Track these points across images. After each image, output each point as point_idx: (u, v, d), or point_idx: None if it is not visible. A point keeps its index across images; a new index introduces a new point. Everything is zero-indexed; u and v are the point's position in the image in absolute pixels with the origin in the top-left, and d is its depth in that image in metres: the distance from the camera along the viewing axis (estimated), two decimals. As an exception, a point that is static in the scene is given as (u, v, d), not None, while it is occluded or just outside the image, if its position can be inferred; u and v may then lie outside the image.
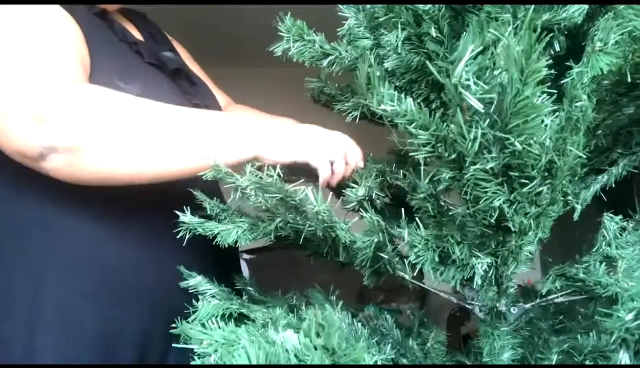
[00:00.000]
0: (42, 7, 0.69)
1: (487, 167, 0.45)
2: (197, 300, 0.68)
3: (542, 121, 0.44)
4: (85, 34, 0.72)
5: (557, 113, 0.48)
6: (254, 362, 0.39)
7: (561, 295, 0.68)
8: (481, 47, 0.43)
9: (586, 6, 0.59)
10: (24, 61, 0.63)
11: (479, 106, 0.40)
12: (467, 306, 0.70)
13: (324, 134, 0.74)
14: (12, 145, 0.62)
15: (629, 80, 0.54)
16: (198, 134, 0.67)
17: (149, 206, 0.75)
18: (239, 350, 0.39)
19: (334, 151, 0.72)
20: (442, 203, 0.55)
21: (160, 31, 0.98)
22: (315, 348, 0.41)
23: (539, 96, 0.43)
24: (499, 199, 0.47)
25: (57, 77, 0.63)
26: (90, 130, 0.62)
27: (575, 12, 0.58)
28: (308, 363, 0.41)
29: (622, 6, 0.50)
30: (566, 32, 0.63)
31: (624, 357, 0.44)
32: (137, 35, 0.89)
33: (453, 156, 0.46)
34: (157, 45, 0.92)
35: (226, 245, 0.66)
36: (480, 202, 0.47)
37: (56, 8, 0.71)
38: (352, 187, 0.68)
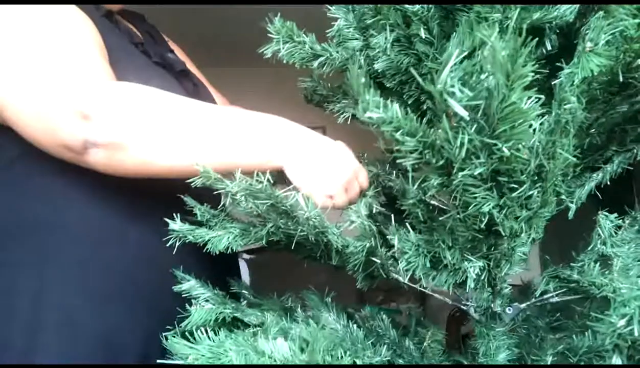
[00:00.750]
0: (63, 8, 0.70)
1: (476, 173, 0.44)
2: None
3: (531, 126, 0.43)
4: (101, 34, 0.73)
5: (546, 116, 0.47)
6: (240, 376, 0.39)
7: (556, 295, 0.68)
8: (467, 52, 0.42)
9: (577, 5, 0.58)
10: (64, 58, 0.65)
11: (464, 113, 0.39)
12: (462, 307, 0.70)
13: (336, 163, 0.70)
14: (57, 139, 0.63)
15: (621, 79, 0.53)
16: (234, 132, 0.68)
17: (150, 207, 0.75)
18: (225, 364, 0.39)
19: (337, 185, 0.69)
20: (432, 208, 0.54)
21: (158, 32, 0.98)
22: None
23: (528, 99, 0.42)
24: (489, 204, 0.46)
25: (96, 74, 0.65)
26: (130, 127, 0.63)
27: (567, 11, 0.57)
28: None
29: (613, 5, 0.49)
30: (558, 31, 0.62)
31: (616, 362, 0.44)
32: (138, 35, 0.89)
33: (441, 162, 0.45)
34: (158, 46, 0.92)
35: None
36: (470, 208, 0.47)
37: (75, 8, 0.72)
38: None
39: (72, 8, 0.72)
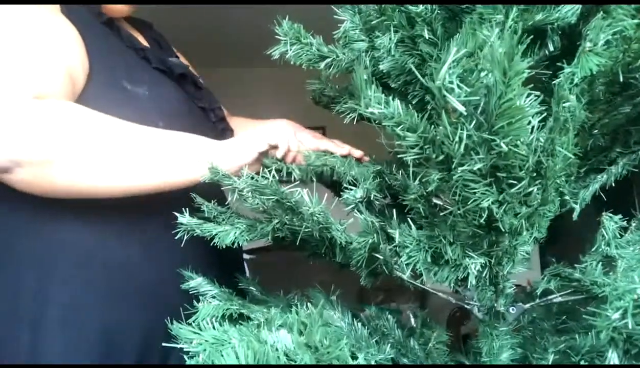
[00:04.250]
0: (37, 13, 0.70)
1: (475, 168, 0.45)
2: (199, 300, 0.69)
3: (529, 122, 0.44)
4: (86, 41, 0.74)
5: (545, 114, 0.48)
6: (242, 362, 0.40)
7: (560, 295, 0.68)
8: (467, 50, 0.43)
9: (579, 6, 0.59)
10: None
11: (461, 108, 0.40)
12: (465, 306, 0.70)
13: (268, 127, 0.80)
14: None
15: (622, 79, 0.53)
16: (161, 153, 0.71)
17: (153, 206, 0.76)
18: (227, 350, 0.40)
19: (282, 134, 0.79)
20: (433, 204, 0.55)
21: (165, 40, 1.00)
22: (308, 347, 0.42)
23: (527, 97, 0.43)
24: (488, 200, 0.47)
25: (21, 91, 0.64)
26: (56, 147, 0.63)
27: (569, 12, 0.58)
28: (298, 363, 0.41)
29: (612, 6, 0.50)
30: (561, 32, 0.63)
31: (612, 357, 0.44)
32: (144, 42, 0.92)
33: (441, 158, 0.46)
34: (163, 52, 0.94)
35: (226, 245, 0.67)
36: (469, 203, 0.48)
37: (54, 14, 0.72)
38: (351, 189, 0.69)
39: (50, 14, 0.72)
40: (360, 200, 0.69)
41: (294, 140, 0.80)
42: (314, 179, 0.78)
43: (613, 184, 0.71)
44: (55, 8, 0.74)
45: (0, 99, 0.62)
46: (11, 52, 0.66)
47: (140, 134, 0.70)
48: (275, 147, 0.78)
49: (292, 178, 0.75)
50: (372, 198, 0.69)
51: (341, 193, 0.72)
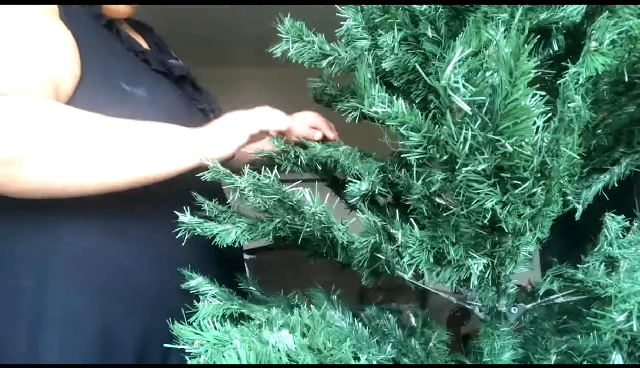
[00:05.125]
0: (28, 14, 0.69)
1: (479, 169, 0.45)
2: (199, 300, 0.69)
3: (534, 123, 0.44)
4: (80, 43, 0.73)
5: (550, 114, 0.48)
6: (244, 362, 0.39)
7: (562, 296, 0.68)
8: (472, 49, 0.43)
9: (584, 5, 0.58)
10: None
11: (467, 108, 0.40)
12: (467, 306, 0.70)
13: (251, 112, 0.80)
14: None
15: (627, 79, 0.53)
16: (141, 146, 0.69)
17: (153, 205, 0.76)
18: (229, 351, 0.40)
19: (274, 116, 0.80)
20: (437, 204, 0.54)
21: (165, 43, 1.00)
22: (311, 349, 0.41)
23: (532, 97, 0.43)
24: (492, 200, 0.47)
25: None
26: (28, 141, 0.61)
27: (573, 12, 0.58)
28: (300, 363, 0.41)
29: (617, 5, 0.50)
30: (565, 32, 0.63)
31: (617, 358, 0.44)
32: (144, 45, 0.92)
33: (445, 158, 0.46)
34: (163, 54, 0.94)
35: (227, 245, 0.67)
36: (473, 204, 0.47)
37: (47, 17, 0.72)
38: (355, 183, 0.69)
39: (43, 19, 0.71)
40: (365, 192, 0.68)
41: (287, 119, 0.81)
42: (319, 167, 0.78)
43: (615, 185, 0.71)
44: (53, 10, 0.73)
45: None
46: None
47: (121, 127, 0.69)
48: (266, 133, 0.79)
49: (299, 163, 0.76)
50: (376, 192, 0.69)
51: (343, 190, 0.72)
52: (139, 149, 0.68)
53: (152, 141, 0.70)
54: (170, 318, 0.63)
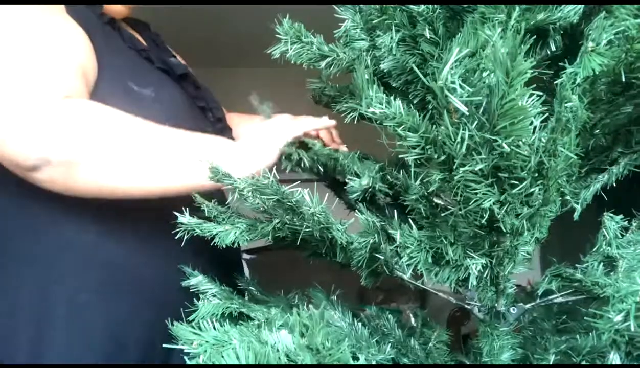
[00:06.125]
0: (46, 14, 0.70)
1: (476, 169, 0.45)
2: (199, 299, 0.69)
3: (531, 123, 0.44)
4: (93, 41, 0.74)
5: (547, 114, 0.48)
6: (243, 362, 0.40)
7: (561, 296, 0.68)
8: (469, 50, 0.43)
9: (582, 5, 0.58)
10: (22, 72, 0.64)
11: (463, 109, 0.40)
12: (466, 306, 0.70)
13: (279, 124, 0.79)
14: (7, 155, 0.64)
15: (624, 79, 0.53)
16: (185, 155, 0.70)
17: (156, 205, 0.76)
18: (228, 351, 0.40)
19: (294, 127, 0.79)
20: (435, 204, 0.55)
21: (161, 40, 1.00)
22: (310, 349, 0.42)
23: (529, 97, 0.43)
24: (489, 200, 0.47)
25: (53, 90, 0.65)
26: (85, 145, 0.64)
27: (571, 12, 0.58)
28: (299, 363, 0.41)
29: (614, 6, 0.50)
30: (563, 32, 0.63)
31: (614, 358, 0.44)
32: (143, 42, 0.91)
33: (442, 158, 0.46)
34: (162, 52, 0.94)
35: (226, 245, 0.67)
36: (471, 203, 0.48)
37: (62, 15, 0.72)
38: (355, 179, 0.68)
39: (59, 15, 0.72)
40: (366, 187, 0.68)
41: (303, 124, 0.81)
42: (322, 169, 0.78)
43: (615, 185, 0.71)
44: (61, 8, 0.74)
45: (32, 99, 0.63)
46: (32, 53, 0.66)
47: (165, 136, 0.70)
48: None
49: (302, 165, 0.75)
50: (377, 188, 0.69)
51: (343, 191, 0.72)
52: (179, 160, 0.70)
53: (198, 152, 0.71)
54: (174, 317, 0.64)
